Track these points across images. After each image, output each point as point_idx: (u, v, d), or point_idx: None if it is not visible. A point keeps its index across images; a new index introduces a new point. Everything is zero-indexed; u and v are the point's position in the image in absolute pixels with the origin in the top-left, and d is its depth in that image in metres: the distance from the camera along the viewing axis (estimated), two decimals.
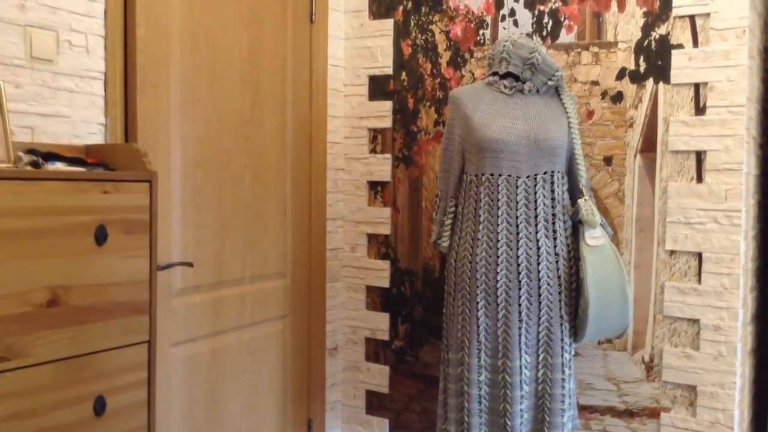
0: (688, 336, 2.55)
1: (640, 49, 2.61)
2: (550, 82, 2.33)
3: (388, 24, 3.09)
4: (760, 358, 2.92)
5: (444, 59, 2.99)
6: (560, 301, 2.28)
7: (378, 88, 3.13)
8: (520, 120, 2.29)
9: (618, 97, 2.66)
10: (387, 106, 3.11)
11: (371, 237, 3.18)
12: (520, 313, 2.27)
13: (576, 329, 2.30)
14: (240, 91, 2.64)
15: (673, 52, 2.54)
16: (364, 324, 3.20)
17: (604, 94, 2.69)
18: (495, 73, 2.37)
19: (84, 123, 2.12)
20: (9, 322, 1.58)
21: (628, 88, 2.64)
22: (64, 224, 1.70)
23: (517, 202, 2.27)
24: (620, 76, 2.65)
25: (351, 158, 3.20)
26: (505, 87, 2.34)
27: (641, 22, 2.59)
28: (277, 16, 2.80)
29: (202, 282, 2.52)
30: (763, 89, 2.79)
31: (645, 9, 2.58)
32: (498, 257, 2.27)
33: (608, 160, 2.70)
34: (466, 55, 2.94)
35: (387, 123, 3.12)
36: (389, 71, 3.10)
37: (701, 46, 2.49)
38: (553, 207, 2.29)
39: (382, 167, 3.14)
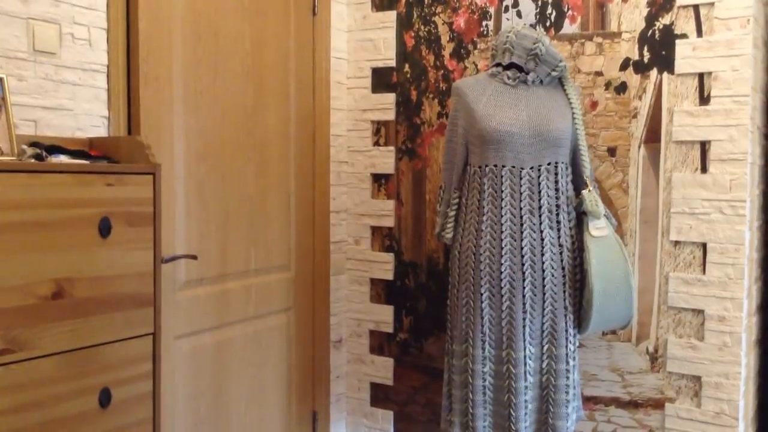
0: (693, 326, 2.55)
1: (643, 39, 2.60)
2: (553, 73, 2.32)
3: (390, 16, 3.09)
4: (765, 349, 2.92)
5: (447, 51, 2.98)
6: (564, 292, 2.28)
7: (381, 80, 3.12)
8: (524, 111, 2.29)
9: (622, 88, 2.65)
10: (390, 98, 3.11)
11: (375, 229, 3.17)
12: (524, 304, 2.26)
13: (580, 320, 2.29)
14: (243, 84, 2.63)
15: (677, 41, 2.53)
16: (369, 316, 3.20)
17: (607, 85, 2.68)
18: (498, 65, 2.37)
19: (87, 116, 2.12)
20: (14, 314, 1.59)
21: (632, 78, 2.63)
22: (68, 217, 1.70)
23: (521, 194, 2.27)
24: (624, 66, 2.64)
25: (354, 151, 3.20)
26: (508, 78, 2.33)
27: (645, 11, 2.58)
28: (280, 9, 2.79)
29: (206, 275, 2.53)
30: (767, 78, 2.77)
31: None
32: (502, 248, 2.27)
33: (612, 151, 2.69)
34: (470, 47, 2.94)
35: (390, 115, 3.11)
36: (392, 63, 3.09)
37: (705, 36, 2.48)
38: (557, 198, 2.28)
39: (385, 160, 3.13)
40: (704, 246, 2.51)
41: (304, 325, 3.00)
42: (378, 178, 3.16)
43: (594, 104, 2.70)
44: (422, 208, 3.09)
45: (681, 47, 2.52)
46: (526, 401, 2.27)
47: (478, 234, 2.30)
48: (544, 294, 2.27)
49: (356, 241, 3.21)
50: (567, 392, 2.28)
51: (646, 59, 2.60)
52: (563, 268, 2.28)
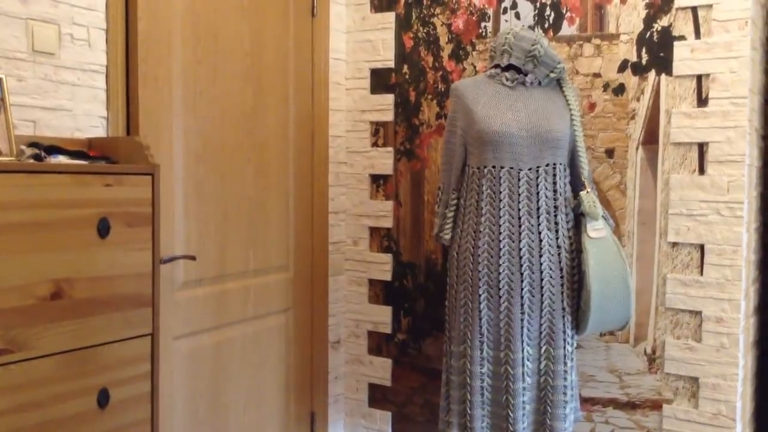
0: (691, 328, 2.55)
1: (642, 40, 2.60)
2: (552, 75, 2.32)
3: (389, 17, 3.09)
4: (763, 350, 2.92)
5: (446, 52, 2.99)
6: (562, 293, 2.28)
7: (380, 81, 3.13)
8: (522, 112, 2.29)
9: (620, 89, 2.66)
10: (389, 99, 3.11)
11: (373, 230, 3.18)
12: (522, 305, 2.27)
13: (578, 321, 2.30)
14: (242, 85, 2.64)
15: (675, 43, 2.53)
16: (367, 317, 3.20)
17: (606, 86, 2.68)
18: (497, 66, 2.37)
19: (86, 116, 2.12)
20: (13, 314, 1.59)
21: (630, 80, 2.64)
22: (67, 217, 1.70)
23: (519, 195, 2.27)
24: (622, 68, 2.65)
25: (353, 152, 3.20)
26: (507, 79, 2.34)
27: (643, 13, 2.59)
28: (279, 10, 2.80)
29: (204, 275, 2.53)
30: (765, 80, 2.78)
31: (647, 1, 2.58)
32: (500, 249, 2.27)
33: (610, 153, 2.69)
34: (468, 48, 2.94)
35: (389, 116, 3.12)
36: (391, 64, 3.10)
37: (703, 38, 2.48)
38: (555, 199, 2.29)
39: (384, 160, 3.14)
40: (702, 247, 2.52)
41: (302, 326, 3.00)
42: (376, 179, 3.16)
43: (592, 106, 2.71)
44: (421, 209, 3.10)
45: (679, 49, 2.53)
46: (524, 402, 2.27)
47: (476, 235, 2.31)
48: (542, 295, 2.27)
49: (355, 242, 3.21)
50: (565, 393, 2.28)
51: (644, 61, 2.61)
52: (561, 270, 2.28)
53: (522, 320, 2.27)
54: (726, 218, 2.47)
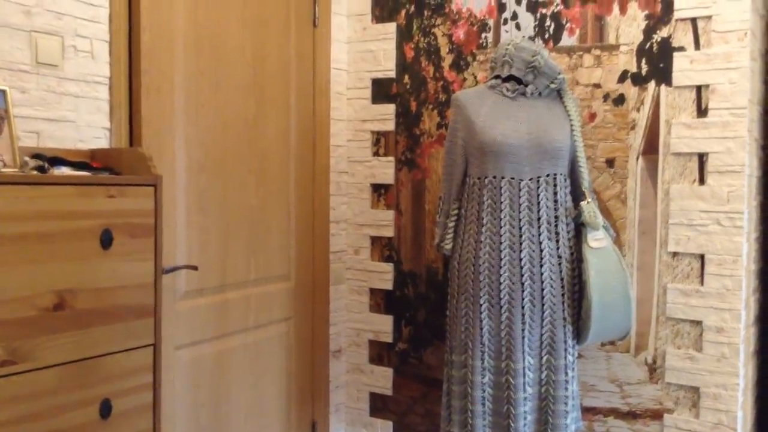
0: (691, 338, 2.56)
1: (641, 51, 2.62)
2: (552, 85, 2.33)
3: (390, 27, 3.11)
4: (763, 360, 2.93)
5: (446, 62, 3.00)
6: (563, 303, 2.29)
7: (381, 91, 3.14)
8: (523, 123, 2.30)
9: (620, 100, 2.67)
10: (390, 109, 3.12)
11: (374, 239, 3.18)
12: (523, 315, 2.27)
13: (579, 331, 2.30)
14: (243, 96, 2.65)
15: (675, 54, 2.55)
16: (368, 326, 3.20)
17: (606, 97, 2.69)
18: (497, 77, 2.38)
19: (89, 127, 2.13)
20: (16, 325, 1.59)
21: (630, 90, 2.65)
22: (70, 228, 1.71)
23: (520, 205, 2.28)
24: (622, 78, 2.66)
25: (354, 161, 3.21)
26: (507, 90, 2.35)
27: (643, 24, 2.60)
28: (281, 21, 2.81)
29: (206, 285, 2.53)
30: (765, 91, 2.79)
31: (647, 12, 2.59)
32: (501, 259, 2.28)
33: (610, 163, 2.70)
34: (469, 58, 2.95)
35: (390, 126, 3.13)
36: (392, 74, 3.11)
37: (703, 49, 2.50)
38: (555, 209, 2.30)
39: (385, 170, 3.15)
40: (702, 257, 2.52)
41: (303, 335, 3.01)
42: (378, 189, 3.17)
43: (592, 116, 2.72)
44: (422, 218, 3.10)
45: (679, 60, 2.54)
46: (525, 412, 2.27)
47: (477, 245, 2.31)
48: (543, 305, 2.28)
49: (356, 251, 3.22)
50: (566, 403, 2.28)
51: (644, 72, 2.62)
52: (562, 279, 2.29)
53: (523, 330, 2.27)
54: (726, 228, 2.48)
